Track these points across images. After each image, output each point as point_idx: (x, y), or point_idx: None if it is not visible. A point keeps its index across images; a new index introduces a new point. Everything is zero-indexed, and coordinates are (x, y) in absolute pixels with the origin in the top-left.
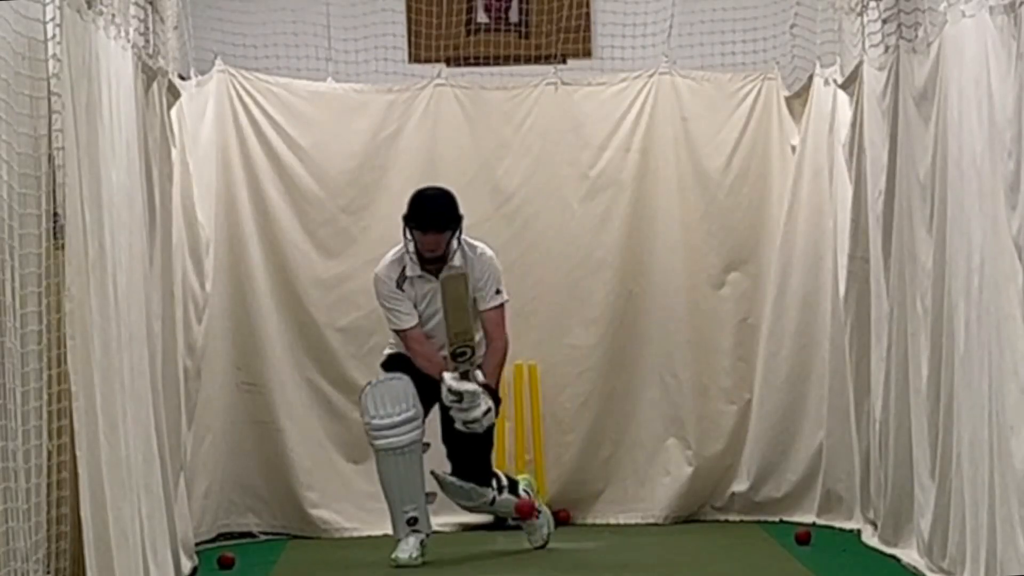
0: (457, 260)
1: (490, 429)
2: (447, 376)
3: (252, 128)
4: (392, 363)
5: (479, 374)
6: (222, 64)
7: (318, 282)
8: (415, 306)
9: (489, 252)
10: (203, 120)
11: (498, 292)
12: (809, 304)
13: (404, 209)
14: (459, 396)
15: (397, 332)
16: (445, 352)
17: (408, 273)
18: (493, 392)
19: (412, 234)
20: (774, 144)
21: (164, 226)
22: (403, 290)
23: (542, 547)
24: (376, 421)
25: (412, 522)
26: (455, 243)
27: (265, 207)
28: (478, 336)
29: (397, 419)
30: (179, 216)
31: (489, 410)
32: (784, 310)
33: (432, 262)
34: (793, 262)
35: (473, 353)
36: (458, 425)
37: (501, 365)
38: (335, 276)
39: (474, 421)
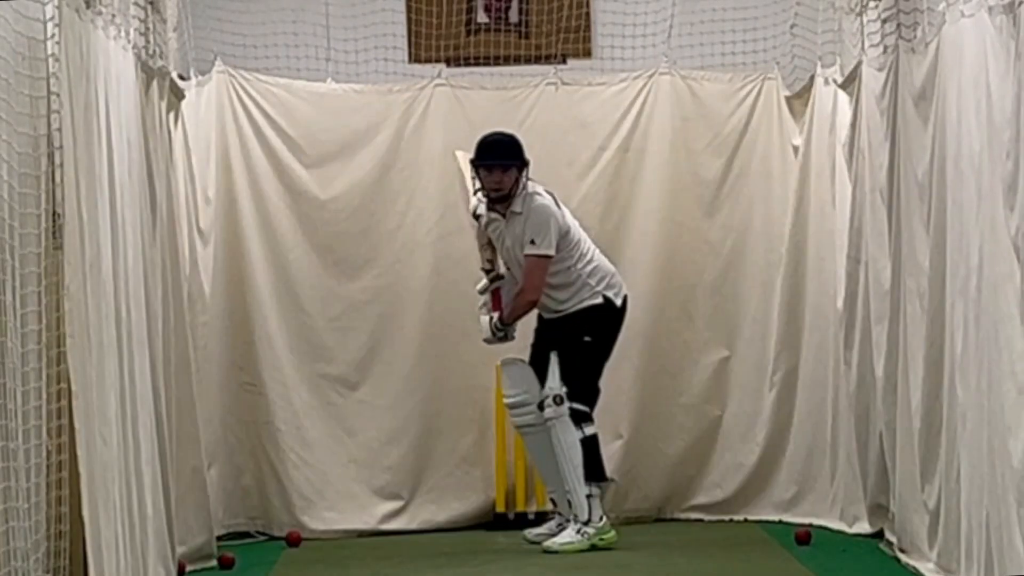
0: (518, 206)
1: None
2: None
3: (252, 128)
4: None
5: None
6: (222, 64)
7: (318, 282)
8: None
9: (541, 202)
10: (203, 120)
11: (532, 243)
12: (810, 304)
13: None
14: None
15: None
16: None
17: (479, 212)
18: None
19: (478, 173)
20: (774, 144)
21: (164, 226)
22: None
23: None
24: (506, 400)
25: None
26: (519, 186)
27: (265, 207)
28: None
29: (512, 401)
30: (179, 216)
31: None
32: (784, 310)
33: (498, 202)
34: (794, 262)
35: (497, 277)
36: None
37: (520, 307)
38: (335, 276)
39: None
